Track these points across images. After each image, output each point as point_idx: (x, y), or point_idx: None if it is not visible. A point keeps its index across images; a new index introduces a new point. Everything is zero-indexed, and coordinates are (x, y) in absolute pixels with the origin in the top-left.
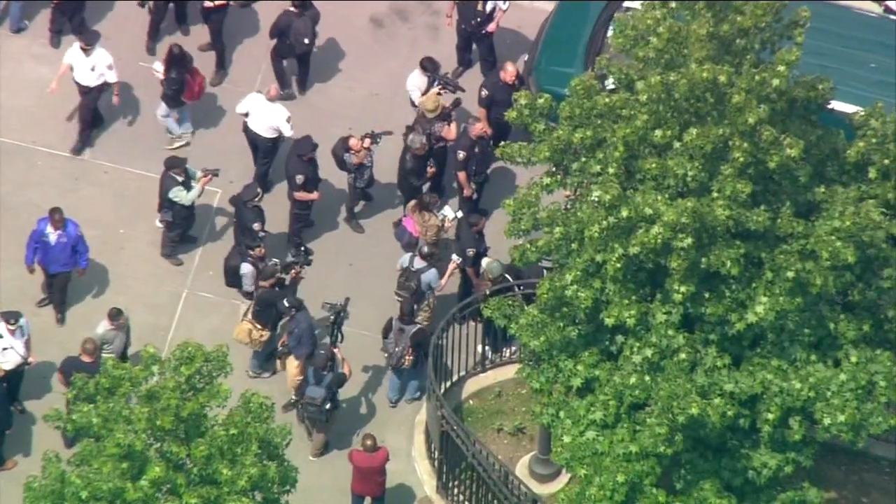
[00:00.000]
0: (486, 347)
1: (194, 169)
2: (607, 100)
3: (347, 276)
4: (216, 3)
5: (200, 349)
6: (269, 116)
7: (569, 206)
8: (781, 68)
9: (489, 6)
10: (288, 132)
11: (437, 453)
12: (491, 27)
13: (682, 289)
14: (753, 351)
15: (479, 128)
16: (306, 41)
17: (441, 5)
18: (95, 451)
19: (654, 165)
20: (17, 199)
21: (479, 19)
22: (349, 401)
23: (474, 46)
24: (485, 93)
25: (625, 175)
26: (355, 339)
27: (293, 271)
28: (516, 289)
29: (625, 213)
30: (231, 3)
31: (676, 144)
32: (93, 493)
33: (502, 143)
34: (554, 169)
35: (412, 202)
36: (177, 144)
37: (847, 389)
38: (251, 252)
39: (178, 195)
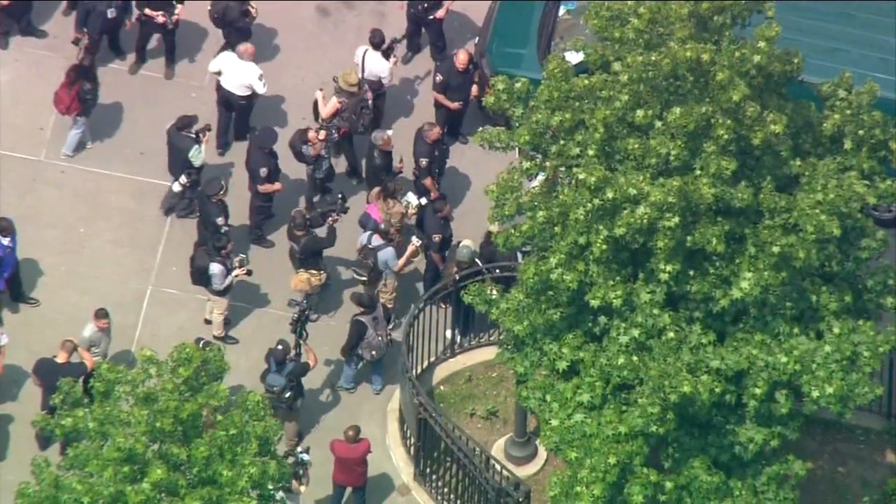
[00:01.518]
0: (456, 332)
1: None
2: (586, 81)
3: None
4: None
5: (198, 350)
6: (242, 74)
7: (549, 190)
8: (762, 44)
9: None
10: (261, 89)
11: (414, 440)
12: (440, 14)
13: (668, 268)
14: (736, 327)
15: (436, 132)
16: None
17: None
18: (92, 455)
19: (636, 146)
20: None
21: (426, 4)
22: (319, 391)
23: (423, 31)
24: (439, 78)
25: (604, 156)
26: (322, 328)
27: (330, 218)
28: (487, 272)
29: (610, 195)
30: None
31: (658, 124)
32: (94, 497)
33: (481, 129)
34: (533, 152)
35: (376, 189)
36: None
37: (832, 361)
38: (221, 250)
39: (192, 154)
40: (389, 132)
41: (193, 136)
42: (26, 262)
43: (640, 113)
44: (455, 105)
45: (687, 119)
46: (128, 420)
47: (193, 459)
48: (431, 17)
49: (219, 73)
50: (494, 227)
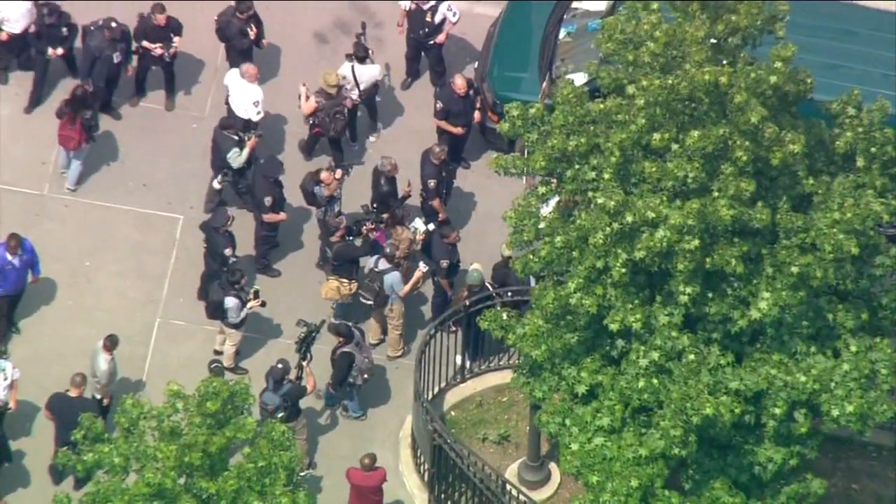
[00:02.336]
0: (466, 357)
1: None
2: (601, 106)
3: (318, 294)
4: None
5: (225, 384)
6: (242, 96)
7: (566, 214)
8: (778, 65)
9: (438, 17)
10: (254, 116)
11: (428, 467)
12: (440, 38)
13: (688, 290)
14: (753, 347)
15: (444, 154)
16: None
17: (384, 17)
18: (117, 491)
19: (654, 169)
20: None
21: (427, 30)
22: (330, 418)
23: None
24: (440, 105)
25: (619, 179)
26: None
27: (365, 227)
28: (498, 297)
29: (629, 219)
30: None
31: (674, 147)
32: None
33: (496, 155)
34: (546, 177)
35: (384, 217)
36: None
37: (850, 379)
38: (235, 284)
39: (232, 155)
40: (393, 160)
41: (236, 137)
42: (33, 295)
43: (656, 136)
44: (458, 130)
45: (705, 141)
46: (154, 455)
47: (222, 493)
48: (432, 42)
49: (227, 89)
50: (508, 251)
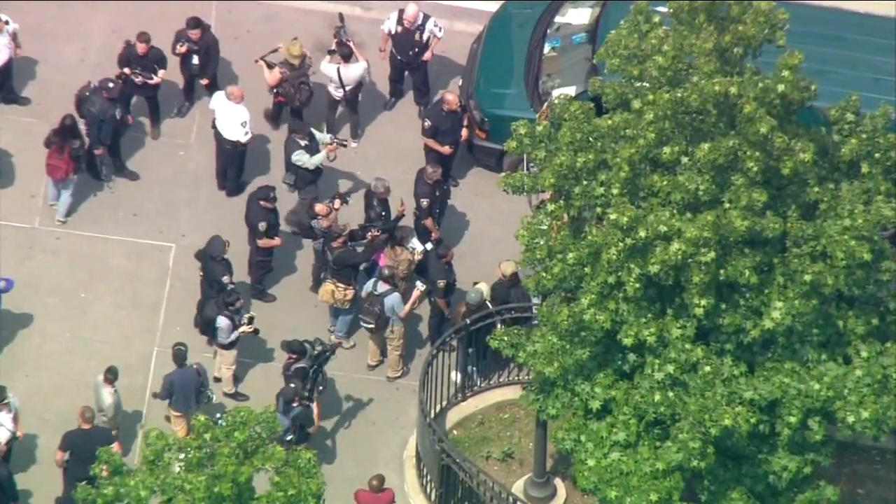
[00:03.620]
0: (469, 374)
1: (323, 134)
2: (610, 121)
3: (314, 317)
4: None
5: (252, 413)
6: (229, 117)
7: (578, 231)
8: (786, 73)
9: (425, 35)
10: (242, 137)
11: (436, 487)
12: (427, 56)
13: (703, 302)
14: (765, 356)
15: (438, 174)
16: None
17: (364, 37)
18: None
19: (665, 182)
20: None
21: (416, 49)
22: (331, 440)
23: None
24: (428, 124)
25: (628, 194)
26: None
27: (370, 234)
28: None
29: (643, 234)
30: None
31: (684, 160)
32: None
33: (504, 174)
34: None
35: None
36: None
37: (863, 385)
38: (230, 306)
39: (301, 158)
40: (386, 182)
41: (301, 143)
42: (29, 330)
43: (666, 150)
44: (446, 149)
45: (716, 154)
46: (182, 486)
47: None
48: (420, 60)
49: (214, 112)
50: (507, 269)
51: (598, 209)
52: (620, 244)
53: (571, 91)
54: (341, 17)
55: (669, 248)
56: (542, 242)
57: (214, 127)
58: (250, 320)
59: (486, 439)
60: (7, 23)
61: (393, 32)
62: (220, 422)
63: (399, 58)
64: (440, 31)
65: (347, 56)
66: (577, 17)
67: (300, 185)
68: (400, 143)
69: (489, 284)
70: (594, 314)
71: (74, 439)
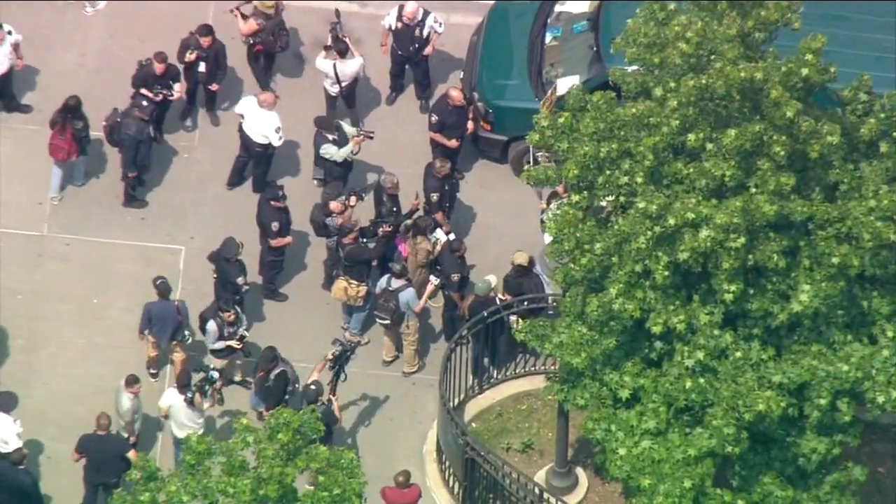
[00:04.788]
0: (485, 366)
1: (351, 126)
2: (633, 110)
3: (326, 315)
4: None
5: (294, 414)
6: (260, 122)
7: (605, 221)
8: (809, 57)
9: (426, 30)
10: (276, 142)
11: (460, 480)
12: (427, 51)
13: (733, 288)
14: (791, 339)
15: (447, 168)
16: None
17: (362, 33)
18: None
19: (691, 169)
20: None
21: (416, 45)
22: (350, 439)
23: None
24: (435, 118)
25: (651, 182)
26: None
27: (381, 228)
28: (513, 305)
29: (672, 222)
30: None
31: (709, 146)
32: None
33: (525, 168)
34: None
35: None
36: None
37: (891, 365)
38: (221, 314)
39: (329, 151)
40: (395, 178)
41: (329, 138)
42: (44, 338)
43: (691, 136)
44: (453, 143)
45: (742, 139)
46: (225, 490)
47: None
48: (420, 55)
49: (242, 117)
50: (518, 259)
51: (622, 198)
52: (649, 233)
53: (576, 79)
54: (337, 13)
55: (699, 235)
56: (569, 233)
57: (241, 129)
58: (241, 338)
59: (505, 431)
60: (10, 33)
61: (393, 28)
62: (211, 373)
63: (400, 53)
64: (440, 26)
65: (344, 52)
66: (577, 5)
67: (329, 180)
68: (402, 138)
69: (498, 276)
70: (623, 303)
71: (89, 444)
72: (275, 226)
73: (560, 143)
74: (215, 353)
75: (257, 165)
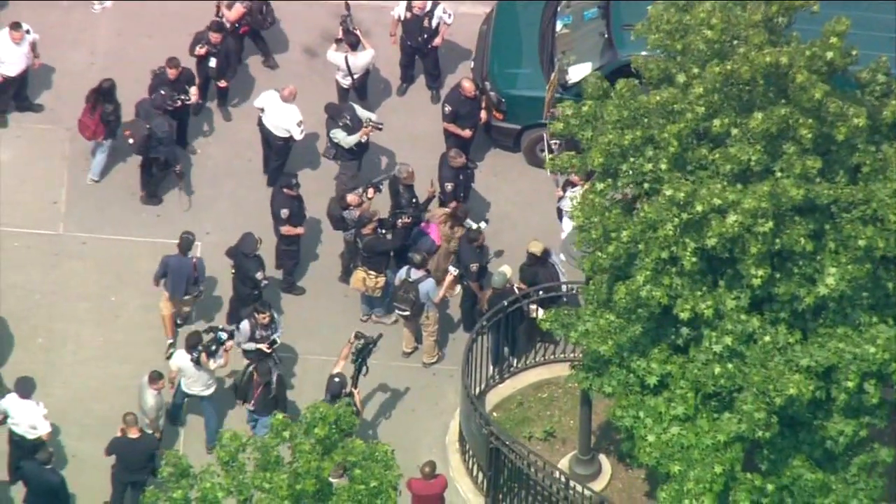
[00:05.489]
0: (506, 355)
1: (366, 114)
2: (658, 97)
3: (343, 307)
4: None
5: (330, 408)
6: (282, 116)
7: (630, 208)
8: (834, 40)
9: (434, 21)
10: (298, 135)
11: (485, 471)
12: (437, 41)
13: (760, 272)
14: (816, 322)
15: (462, 160)
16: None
17: (370, 24)
18: None
19: (717, 155)
20: (2, 283)
21: (425, 35)
22: (373, 432)
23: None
24: (448, 109)
25: (676, 169)
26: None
27: (401, 220)
28: (532, 294)
29: (699, 208)
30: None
31: (734, 131)
32: None
33: (549, 157)
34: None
35: (440, 211)
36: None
37: None
38: (256, 315)
39: (337, 135)
40: (409, 167)
41: (340, 124)
42: (63, 337)
43: (716, 122)
44: (466, 133)
45: (768, 123)
46: (262, 485)
47: None
48: (429, 46)
49: (262, 110)
50: (532, 248)
51: (646, 185)
52: (676, 220)
53: (588, 67)
54: (347, 6)
55: (726, 221)
56: (596, 221)
57: (261, 123)
58: (272, 343)
59: (526, 419)
60: (28, 32)
61: (402, 18)
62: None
63: (409, 43)
64: (450, 17)
65: (355, 45)
66: None
67: (340, 158)
68: (414, 129)
69: (513, 265)
70: (650, 290)
71: (119, 447)
72: (284, 213)
73: (584, 131)
74: (245, 352)
75: (276, 158)
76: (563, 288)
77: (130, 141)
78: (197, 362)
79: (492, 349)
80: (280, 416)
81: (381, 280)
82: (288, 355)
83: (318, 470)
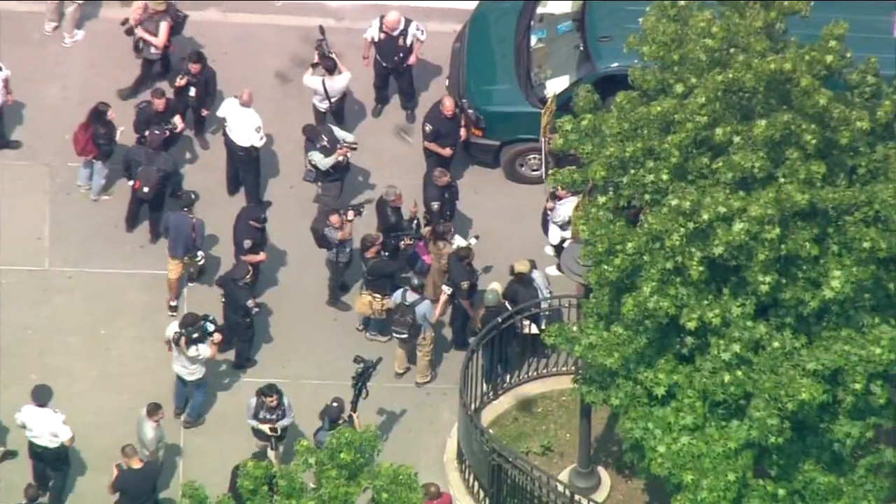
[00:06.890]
0: (500, 371)
1: (343, 134)
2: (659, 108)
3: (333, 332)
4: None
5: (355, 432)
6: (242, 123)
7: (634, 220)
8: (833, 43)
9: (409, 39)
10: (258, 142)
11: (487, 488)
12: (412, 59)
13: (768, 279)
14: (820, 326)
15: (447, 179)
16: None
17: (342, 47)
18: None
19: (720, 163)
20: None
21: (401, 54)
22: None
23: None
24: (429, 128)
25: (677, 178)
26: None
27: (402, 242)
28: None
29: (706, 217)
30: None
31: (736, 139)
32: None
33: (552, 171)
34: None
35: (426, 229)
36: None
37: None
38: (265, 399)
39: (314, 157)
40: (398, 190)
41: (317, 146)
42: (56, 372)
43: (719, 131)
44: (447, 152)
45: (772, 130)
46: None
47: None
48: (405, 64)
49: (225, 120)
50: (521, 267)
51: (647, 196)
52: (682, 229)
53: (565, 80)
54: (322, 29)
55: (733, 229)
56: (601, 235)
57: (225, 135)
58: (275, 429)
59: (522, 435)
60: (0, 68)
61: (375, 39)
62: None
63: (384, 64)
64: (423, 34)
65: (332, 68)
66: (560, 6)
67: (320, 179)
68: (393, 149)
69: (501, 282)
70: (658, 301)
71: (127, 480)
72: (247, 243)
73: (584, 146)
74: (252, 429)
75: (246, 172)
76: (557, 302)
77: (146, 189)
78: (176, 343)
79: (485, 366)
80: (304, 442)
81: (387, 302)
82: (281, 380)
83: (346, 495)
